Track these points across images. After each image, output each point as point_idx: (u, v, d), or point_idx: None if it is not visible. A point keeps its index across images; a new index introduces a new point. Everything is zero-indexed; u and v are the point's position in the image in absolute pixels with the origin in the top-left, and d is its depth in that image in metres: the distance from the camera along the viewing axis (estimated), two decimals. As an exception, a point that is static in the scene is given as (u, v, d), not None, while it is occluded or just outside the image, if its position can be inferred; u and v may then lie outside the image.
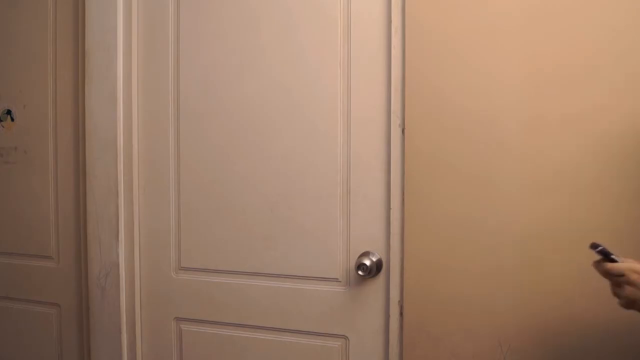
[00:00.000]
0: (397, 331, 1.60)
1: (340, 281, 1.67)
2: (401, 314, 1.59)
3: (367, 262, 1.59)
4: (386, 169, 1.60)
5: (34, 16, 1.97)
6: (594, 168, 1.41)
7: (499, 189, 1.48)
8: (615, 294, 1.16)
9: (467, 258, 1.51)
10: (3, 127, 2.04)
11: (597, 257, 1.18)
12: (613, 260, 1.16)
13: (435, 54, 1.53)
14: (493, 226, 1.49)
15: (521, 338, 1.48)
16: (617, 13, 1.38)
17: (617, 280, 1.14)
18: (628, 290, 1.13)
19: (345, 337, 1.67)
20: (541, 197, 1.45)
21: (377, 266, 1.61)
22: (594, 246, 1.17)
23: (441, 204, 1.53)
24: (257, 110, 1.73)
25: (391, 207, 1.59)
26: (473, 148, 1.50)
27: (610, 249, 1.17)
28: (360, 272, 1.59)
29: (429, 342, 1.56)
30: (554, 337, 1.45)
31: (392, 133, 1.58)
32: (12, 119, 2.02)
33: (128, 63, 1.85)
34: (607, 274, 1.15)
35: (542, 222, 1.45)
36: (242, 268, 1.76)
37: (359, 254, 1.63)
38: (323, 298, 1.68)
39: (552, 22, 1.43)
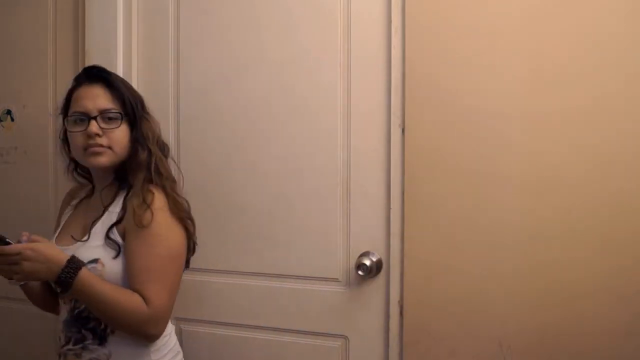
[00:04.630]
0: (397, 331, 1.60)
1: (340, 281, 1.67)
2: (401, 314, 1.59)
3: (367, 262, 1.59)
4: (386, 168, 1.60)
5: (34, 16, 1.97)
6: (596, 167, 1.41)
7: (499, 189, 1.48)
8: (12, 272, 1.26)
9: (467, 258, 1.51)
10: (3, 127, 2.04)
11: None
12: (7, 243, 1.27)
13: (435, 54, 1.53)
14: (494, 226, 1.49)
15: (522, 338, 1.48)
16: (617, 11, 1.38)
17: (14, 260, 1.24)
18: (25, 265, 1.24)
19: (345, 337, 1.67)
20: (542, 197, 1.45)
21: (377, 266, 1.61)
22: None
23: (441, 203, 1.53)
24: (257, 110, 1.73)
25: (391, 207, 1.59)
26: (473, 147, 1.50)
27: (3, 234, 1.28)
28: (360, 272, 1.59)
29: (429, 342, 1.55)
30: (555, 338, 1.45)
31: (392, 133, 1.58)
32: (12, 119, 2.02)
33: (128, 63, 1.84)
34: (2, 256, 1.25)
35: (543, 221, 1.45)
36: (242, 268, 1.76)
37: (359, 254, 1.63)
38: (323, 298, 1.68)
39: (552, 22, 1.43)
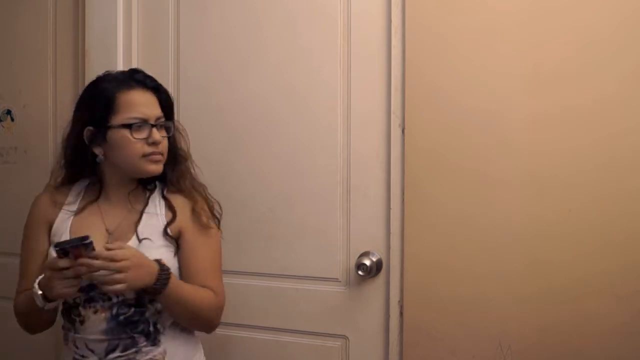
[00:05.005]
0: (397, 331, 1.60)
1: (340, 281, 1.67)
2: (401, 314, 1.59)
3: (367, 262, 1.59)
4: (386, 168, 1.60)
5: (34, 16, 1.97)
6: (596, 167, 1.41)
7: (499, 188, 1.48)
8: (115, 281, 1.22)
9: (467, 258, 1.51)
10: (3, 127, 2.04)
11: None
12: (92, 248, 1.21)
13: (435, 53, 1.53)
14: (494, 226, 1.49)
15: (522, 339, 1.48)
16: (617, 9, 1.38)
17: (121, 266, 1.22)
18: (131, 273, 1.23)
19: (345, 337, 1.67)
20: (542, 197, 1.45)
21: (377, 266, 1.61)
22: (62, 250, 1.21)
23: (441, 203, 1.53)
24: (257, 110, 1.73)
25: (391, 206, 1.59)
26: (473, 147, 1.50)
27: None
28: (360, 272, 1.59)
29: (429, 342, 1.55)
30: (555, 338, 1.45)
31: (392, 132, 1.58)
32: (12, 119, 2.02)
33: (128, 63, 1.84)
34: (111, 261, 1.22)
35: (543, 221, 1.45)
36: (242, 268, 1.76)
37: (359, 254, 1.63)
38: (323, 298, 1.68)
39: (552, 22, 1.43)
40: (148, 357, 1.35)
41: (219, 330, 1.78)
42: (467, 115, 1.50)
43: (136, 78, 1.39)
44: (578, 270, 1.42)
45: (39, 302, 1.27)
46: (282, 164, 1.71)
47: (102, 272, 1.22)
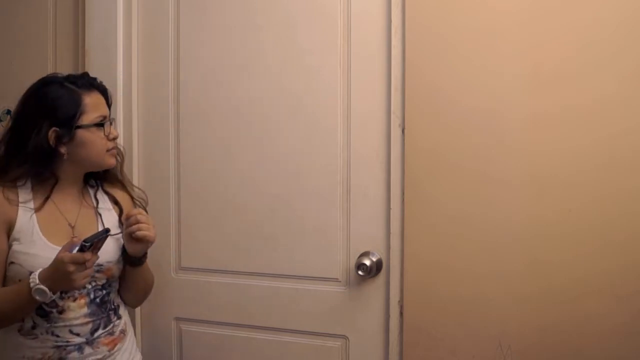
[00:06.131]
0: (397, 331, 1.60)
1: (340, 281, 1.67)
2: (401, 314, 1.59)
3: (367, 262, 1.59)
4: (386, 168, 1.60)
5: (34, 16, 1.97)
6: (596, 167, 1.41)
7: (499, 188, 1.48)
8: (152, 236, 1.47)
9: (467, 258, 1.51)
10: (3, 127, 2.03)
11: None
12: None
13: (435, 53, 1.53)
14: (494, 226, 1.49)
15: (522, 339, 1.48)
16: (617, 9, 1.38)
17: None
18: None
19: (345, 337, 1.67)
20: (542, 197, 1.45)
21: (377, 266, 1.61)
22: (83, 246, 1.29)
23: (441, 203, 1.53)
24: (257, 110, 1.73)
25: (391, 206, 1.59)
26: (473, 147, 1.50)
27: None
28: (360, 272, 1.59)
29: (429, 342, 1.55)
30: (555, 338, 1.45)
31: (392, 132, 1.58)
32: (12, 119, 2.02)
33: (128, 63, 1.84)
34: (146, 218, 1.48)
35: (543, 221, 1.45)
36: (242, 268, 1.76)
37: (359, 254, 1.63)
38: (323, 298, 1.68)
39: (552, 21, 1.43)
40: (119, 328, 1.53)
41: (219, 330, 1.79)
42: (467, 115, 1.50)
43: (90, 81, 1.49)
44: (578, 270, 1.42)
45: (43, 297, 1.30)
46: (282, 164, 1.71)
47: (144, 227, 1.45)
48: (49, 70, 1.95)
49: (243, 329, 1.77)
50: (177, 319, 1.84)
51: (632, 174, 1.38)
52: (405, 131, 1.56)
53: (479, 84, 1.49)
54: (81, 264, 1.29)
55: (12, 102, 2.05)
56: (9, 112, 2.03)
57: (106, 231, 1.36)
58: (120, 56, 1.83)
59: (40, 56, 1.96)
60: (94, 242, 1.30)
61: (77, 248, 1.30)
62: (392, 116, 1.58)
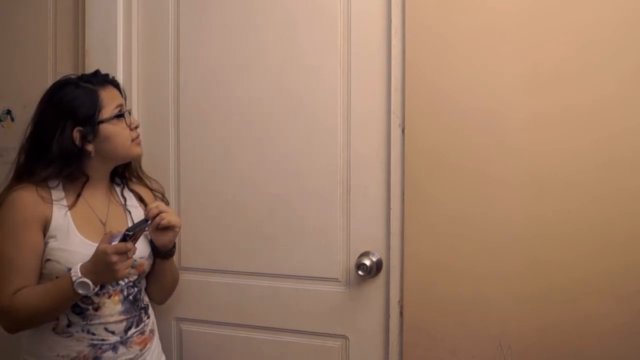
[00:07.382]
0: (397, 331, 1.60)
1: (340, 281, 1.67)
2: (401, 314, 1.59)
3: (367, 262, 1.58)
4: (386, 168, 1.60)
5: (34, 16, 1.97)
6: (596, 167, 1.41)
7: (499, 189, 1.48)
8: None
9: (467, 258, 1.51)
10: (3, 127, 2.03)
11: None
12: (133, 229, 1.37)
13: (435, 53, 1.53)
14: (494, 226, 1.49)
15: (522, 339, 1.48)
16: (617, 9, 1.38)
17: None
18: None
19: (345, 337, 1.67)
20: (542, 197, 1.45)
21: (377, 266, 1.61)
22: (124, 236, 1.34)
23: (441, 203, 1.53)
24: (257, 110, 1.73)
25: (391, 206, 1.59)
26: (473, 147, 1.50)
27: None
28: (360, 272, 1.59)
29: (429, 342, 1.55)
30: (555, 338, 1.45)
31: (392, 132, 1.58)
32: (12, 119, 2.02)
33: (128, 63, 1.84)
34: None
35: (543, 221, 1.45)
36: (242, 268, 1.76)
37: (359, 254, 1.63)
38: (323, 298, 1.68)
39: (552, 21, 1.43)
40: (149, 327, 1.56)
41: (219, 330, 1.79)
42: (467, 115, 1.50)
43: (103, 77, 1.53)
44: (578, 270, 1.42)
45: (86, 290, 1.33)
46: (282, 164, 1.71)
47: (167, 215, 1.49)
48: (49, 70, 1.95)
49: (243, 329, 1.77)
50: (177, 319, 1.84)
51: (632, 174, 1.38)
52: (405, 131, 1.56)
53: (479, 84, 1.49)
54: (123, 254, 1.33)
55: (12, 102, 2.05)
56: (9, 112, 2.03)
57: (146, 220, 1.42)
58: (120, 56, 1.84)
59: (40, 56, 1.96)
60: (135, 232, 1.34)
61: (119, 238, 1.33)
62: (392, 116, 1.58)
